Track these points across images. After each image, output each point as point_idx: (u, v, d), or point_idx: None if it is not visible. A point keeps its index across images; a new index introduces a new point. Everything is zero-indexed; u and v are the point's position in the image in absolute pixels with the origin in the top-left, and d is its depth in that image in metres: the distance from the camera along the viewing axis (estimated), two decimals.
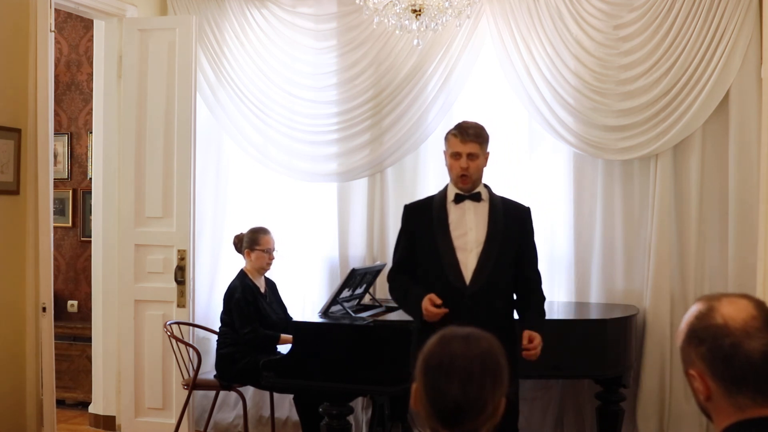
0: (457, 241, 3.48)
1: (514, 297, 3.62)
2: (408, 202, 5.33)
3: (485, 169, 3.58)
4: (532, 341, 3.44)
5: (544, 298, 3.66)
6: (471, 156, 3.48)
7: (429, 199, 3.67)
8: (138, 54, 5.33)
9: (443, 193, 3.60)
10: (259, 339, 4.76)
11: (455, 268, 3.46)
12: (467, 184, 3.51)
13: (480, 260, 3.45)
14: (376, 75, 5.40)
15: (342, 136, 5.48)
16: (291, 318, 5.05)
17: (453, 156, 3.52)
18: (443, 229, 3.50)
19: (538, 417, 5.10)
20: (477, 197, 3.53)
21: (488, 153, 3.57)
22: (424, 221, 3.57)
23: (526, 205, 3.70)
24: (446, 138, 3.57)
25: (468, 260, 3.46)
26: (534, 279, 3.63)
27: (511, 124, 5.29)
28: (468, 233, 3.49)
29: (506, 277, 3.54)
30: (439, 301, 3.40)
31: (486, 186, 3.60)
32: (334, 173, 5.51)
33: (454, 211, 3.53)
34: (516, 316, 3.62)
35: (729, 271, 4.79)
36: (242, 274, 4.97)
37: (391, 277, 3.70)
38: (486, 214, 3.51)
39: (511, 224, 3.54)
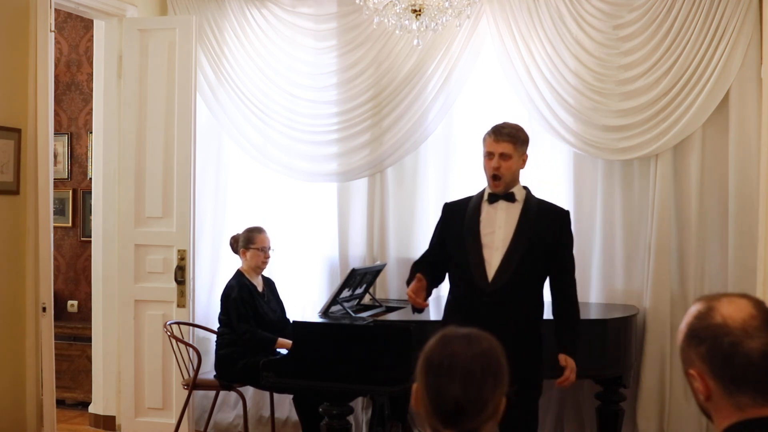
0: (485, 239, 3.49)
1: (547, 300, 3.61)
2: (407, 201, 5.43)
3: (522, 172, 3.59)
4: (567, 366, 3.43)
5: (577, 312, 3.60)
6: (503, 156, 3.48)
7: (467, 199, 3.68)
8: (138, 54, 5.33)
9: (481, 193, 3.62)
10: (256, 340, 4.76)
11: (479, 266, 3.46)
12: (499, 185, 3.51)
13: (504, 258, 3.45)
14: (376, 75, 5.40)
15: (342, 136, 5.48)
16: (288, 319, 5.05)
17: (487, 156, 3.54)
18: (473, 227, 3.52)
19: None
20: (511, 198, 3.54)
21: (526, 155, 3.57)
22: (458, 219, 3.59)
23: (566, 209, 3.67)
24: (483, 139, 3.59)
25: (492, 258, 3.47)
26: (567, 290, 3.57)
27: None
28: (496, 231, 3.50)
29: (532, 279, 3.52)
30: (422, 283, 3.43)
31: (525, 188, 3.61)
32: (334, 173, 5.51)
33: (486, 211, 3.55)
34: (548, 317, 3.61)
35: (729, 271, 4.80)
36: (239, 274, 4.97)
37: (411, 267, 3.74)
38: (517, 215, 3.51)
39: (544, 226, 3.51)
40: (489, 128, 3.58)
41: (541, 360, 3.53)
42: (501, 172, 3.48)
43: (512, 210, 3.52)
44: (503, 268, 3.44)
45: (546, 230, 3.50)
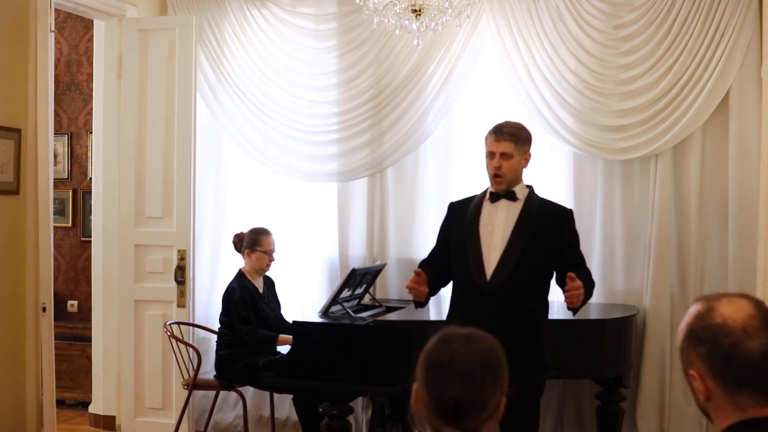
0: (484, 237, 3.48)
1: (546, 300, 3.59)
2: (407, 201, 5.43)
3: (525, 170, 3.57)
4: (573, 280, 3.27)
5: (592, 282, 3.52)
6: (504, 155, 3.47)
7: (471, 198, 3.67)
8: (138, 54, 5.33)
9: (484, 192, 3.61)
10: (258, 340, 4.76)
11: (478, 265, 3.45)
12: (501, 184, 3.50)
13: (502, 258, 3.44)
14: (376, 75, 5.40)
15: (342, 136, 5.48)
16: (284, 318, 5.05)
17: (488, 155, 3.52)
18: (473, 225, 3.51)
19: None
20: (512, 196, 3.52)
21: (528, 154, 3.55)
22: (460, 218, 3.58)
23: (568, 207, 3.66)
24: (485, 138, 3.57)
25: (491, 257, 3.45)
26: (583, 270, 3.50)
27: None
28: (495, 231, 3.48)
29: (532, 278, 3.49)
30: (421, 276, 3.43)
31: (529, 187, 3.58)
32: (334, 173, 5.51)
33: (487, 210, 3.53)
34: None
35: (729, 271, 4.80)
36: (240, 275, 4.96)
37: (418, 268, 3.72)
38: (517, 214, 3.49)
39: (544, 225, 3.49)
40: (491, 127, 3.58)
41: (542, 359, 3.53)
42: (502, 172, 3.48)
43: (513, 209, 3.51)
44: (501, 266, 3.43)
45: (546, 229, 3.48)
